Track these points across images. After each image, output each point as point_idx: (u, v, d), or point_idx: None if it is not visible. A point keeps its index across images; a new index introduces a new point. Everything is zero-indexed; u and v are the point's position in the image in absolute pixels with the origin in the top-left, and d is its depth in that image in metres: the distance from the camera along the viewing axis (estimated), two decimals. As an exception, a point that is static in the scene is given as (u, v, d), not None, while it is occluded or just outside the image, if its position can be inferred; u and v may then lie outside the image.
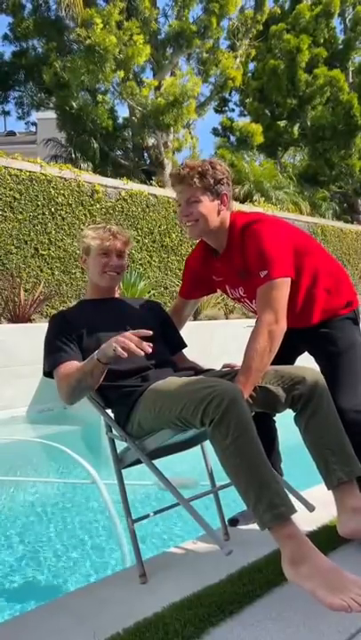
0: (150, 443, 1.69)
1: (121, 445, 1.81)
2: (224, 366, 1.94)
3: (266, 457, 1.47)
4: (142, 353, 1.55)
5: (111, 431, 1.83)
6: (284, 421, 1.97)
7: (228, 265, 1.95)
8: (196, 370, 1.91)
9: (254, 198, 13.20)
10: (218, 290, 2.15)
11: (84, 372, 1.69)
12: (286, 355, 1.88)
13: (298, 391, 1.70)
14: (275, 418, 2.07)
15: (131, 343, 1.54)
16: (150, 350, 1.54)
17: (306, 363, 1.97)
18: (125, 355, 1.54)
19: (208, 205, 1.85)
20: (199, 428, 1.54)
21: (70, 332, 1.85)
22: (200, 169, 1.82)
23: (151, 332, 1.60)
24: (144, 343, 1.55)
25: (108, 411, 1.84)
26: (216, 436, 1.47)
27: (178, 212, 1.94)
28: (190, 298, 2.23)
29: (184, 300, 2.23)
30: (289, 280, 1.77)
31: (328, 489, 1.68)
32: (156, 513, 1.83)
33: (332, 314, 1.93)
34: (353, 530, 1.62)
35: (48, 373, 1.84)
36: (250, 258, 1.80)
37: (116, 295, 2.06)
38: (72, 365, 1.77)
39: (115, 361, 1.75)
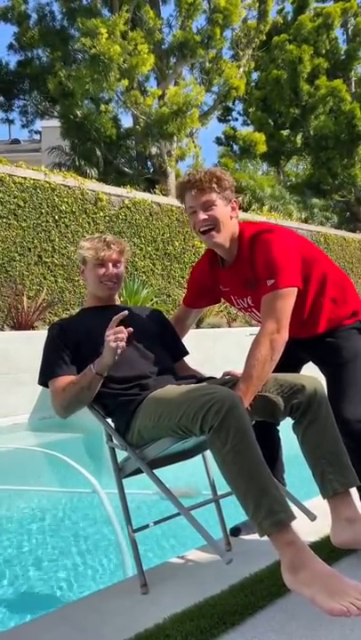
0: (150, 451, 1.68)
1: (122, 454, 1.80)
2: (225, 374, 1.93)
3: (265, 463, 1.47)
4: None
5: (111, 440, 1.82)
6: (288, 431, 1.96)
7: (235, 275, 1.94)
8: (197, 378, 1.90)
9: (252, 207, 13.25)
10: (222, 299, 2.15)
11: (82, 387, 1.72)
12: (291, 364, 1.88)
13: (297, 400, 1.69)
14: (278, 427, 2.06)
15: (120, 335, 1.65)
16: (129, 332, 1.67)
17: (310, 372, 1.96)
18: (124, 346, 1.65)
19: (223, 210, 1.84)
20: (199, 436, 1.54)
21: (67, 343, 1.86)
22: (218, 174, 1.82)
23: (127, 313, 1.71)
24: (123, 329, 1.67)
25: (109, 420, 1.83)
26: (215, 443, 1.46)
27: (191, 220, 1.89)
28: (194, 307, 2.22)
29: (187, 309, 2.22)
30: (295, 290, 1.77)
31: (323, 498, 1.68)
32: (156, 523, 1.82)
33: (337, 323, 1.93)
34: (346, 540, 1.63)
35: (43, 383, 1.87)
36: (258, 266, 1.80)
37: (117, 303, 2.07)
38: (67, 380, 1.79)
39: (113, 368, 1.75)
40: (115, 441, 1.80)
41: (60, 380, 1.80)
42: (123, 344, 1.64)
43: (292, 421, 1.75)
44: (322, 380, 1.90)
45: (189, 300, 2.20)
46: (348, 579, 1.33)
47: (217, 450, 1.47)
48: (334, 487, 1.63)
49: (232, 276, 1.96)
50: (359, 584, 1.32)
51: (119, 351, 1.65)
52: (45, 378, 1.85)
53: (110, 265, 1.95)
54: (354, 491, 1.83)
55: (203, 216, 1.83)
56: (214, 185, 1.81)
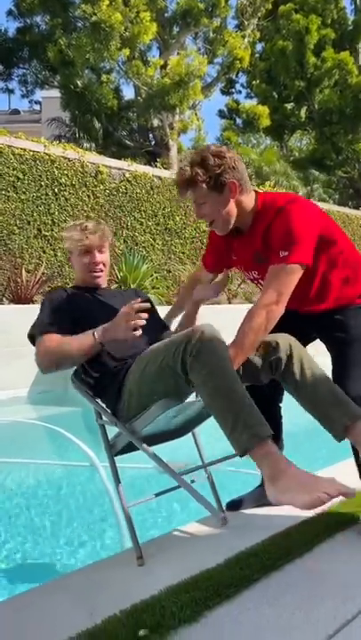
0: (140, 423, 1.68)
1: (112, 432, 1.81)
2: None
3: (243, 385, 1.52)
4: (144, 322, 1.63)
5: (101, 418, 1.83)
6: (288, 411, 1.96)
7: (246, 246, 1.92)
8: None
9: (255, 182, 13.12)
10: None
11: (79, 349, 1.72)
12: (299, 341, 1.87)
13: (274, 356, 1.74)
14: (281, 405, 2.07)
15: (139, 321, 1.62)
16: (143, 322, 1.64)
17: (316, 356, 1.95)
18: (139, 332, 1.63)
19: (215, 202, 1.80)
20: (182, 376, 1.55)
21: (68, 310, 1.87)
22: (186, 182, 1.77)
23: (141, 303, 1.65)
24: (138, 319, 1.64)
25: (98, 400, 1.84)
26: (196, 368, 1.51)
27: None
28: (214, 271, 2.18)
29: (206, 274, 2.20)
30: (302, 268, 1.74)
31: (338, 440, 1.70)
32: (157, 495, 1.84)
33: (346, 302, 1.91)
34: None
35: (31, 336, 1.83)
36: (276, 235, 1.76)
37: (104, 286, 2.07)
38: (62, 339, 1.76)
39: (113, 348, 1.76)
40: (104, 418, 1.81)
41: (54, 337, 1.76)
42: (139, 332, 1.63)
43: (282, 383, 1.79)
44: (327, 358, 1.91)
45: (210, 262, 2.16)
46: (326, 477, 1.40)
47: (197, 374, 1.51)
48: (344, 422, 1.67)
49: (242, 248, 1.94)
50: (334, 478, 1.38)
51: (131, 334, 1.63)
52: (40, 330, 1.80)
53: (96, 252, 1.97)
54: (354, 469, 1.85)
55: (198, 214, 1.87)
56: (189, 192, 1.79)
